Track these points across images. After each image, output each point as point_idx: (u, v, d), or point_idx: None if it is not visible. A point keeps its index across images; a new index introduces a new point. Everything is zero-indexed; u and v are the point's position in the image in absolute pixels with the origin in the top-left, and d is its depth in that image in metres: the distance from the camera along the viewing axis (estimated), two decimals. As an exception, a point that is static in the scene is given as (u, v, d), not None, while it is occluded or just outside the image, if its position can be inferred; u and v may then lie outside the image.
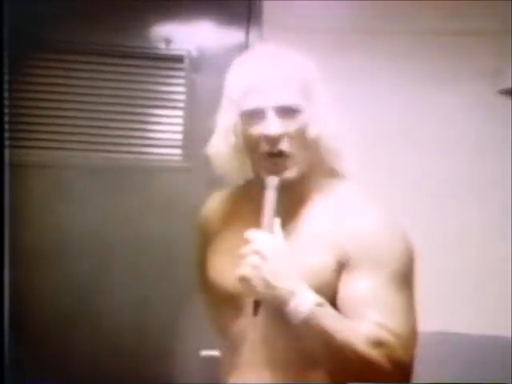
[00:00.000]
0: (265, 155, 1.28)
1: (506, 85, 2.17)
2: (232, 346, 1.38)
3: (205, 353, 2.11)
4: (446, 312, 2.14)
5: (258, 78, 1.27)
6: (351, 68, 2.20)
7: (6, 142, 2.10)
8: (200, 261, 1.48)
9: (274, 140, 1.25)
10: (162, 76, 2.30)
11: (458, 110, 2.23)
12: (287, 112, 1.26)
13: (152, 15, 2.27)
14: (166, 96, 2.31)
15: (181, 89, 2.30)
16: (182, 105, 2.30)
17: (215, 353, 1.83)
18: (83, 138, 2.28)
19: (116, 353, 2.29)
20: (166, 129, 2.33)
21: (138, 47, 2.26)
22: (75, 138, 2.28)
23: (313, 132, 1.29)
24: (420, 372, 2.01)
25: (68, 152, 2.28)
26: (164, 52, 2.28)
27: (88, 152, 2.29)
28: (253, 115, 1.27)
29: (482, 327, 2.18)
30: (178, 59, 2.28)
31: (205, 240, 1.49)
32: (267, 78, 1.27)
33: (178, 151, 2.31)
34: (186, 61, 2.27)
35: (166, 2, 2.25)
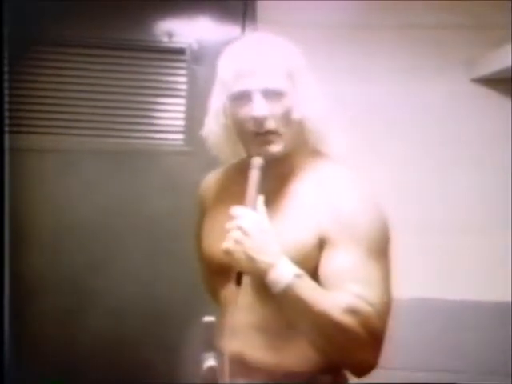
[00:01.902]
0: (252, 134, 1.31)
1: (478, 74, 2.25)
2: (223, 311, 1.42)
3: (206, 319, 2.22)
4: (424, 279, 2.26)
5: (246, 63, 1.29)
6: (340, 59, 2.29)
7: (14, 128, 2.15)
8: (197, 233, 1.52)
9: (260, 121, 1.28)
10: (165, 67, 2.39)
11: (436, 95, 2.30)
12: (273, 95, 1.28)
13: (156, 11, 2.33)
14: (168, 85, 2.40)
15: (182, 79, 2.38)
16: (183, 93, 2.38)
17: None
18: (92, 125, 2.37)
19: (125, 328, 2.37)
20: (169, 115, 2.42)
21: (143, 41, 2.35)
22: (85, 124, 2.37)
23: (297, 114, 1.31)
24: (400, 335, 2.18)
25: (79, 138, 2.37)
26: (167, 45, 2.36)
27: (97, 137, 2.38)
28: (241, 97, 1.30)
29: (457, 293, 2.29)
30: (180, 52, 2.36)
31: (201, 214, 1.54)
32: (255, 62, 1.29)
33: (180, 136, 2.39)
34: (188, 53, 2.35)
35: None
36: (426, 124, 2.33)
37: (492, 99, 2.30)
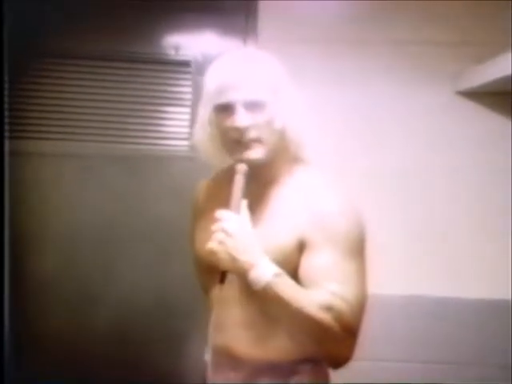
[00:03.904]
0: (235, 143, 1.36)
1: (464, 87, 2.31)
2: (213, 307, 1.50)
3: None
4: (414, 277, 2.36)
5: (229, 76, 1.33)
6: (334, 72, 2.36)
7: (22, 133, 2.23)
8: (190, 235, 1.58)
9: (241, 130, 1.33)
10: (172, 78, 2.48)
11: (424, 107, 2.37)
12: (255, 106, 1.33)
13: (163, 26, 2.42)
14: (174, 95, 2.49)
15: (188, 89, 2.47)
16: (188, 103, 2.46)
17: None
18: (102, 132, 2.47)
19: (129, 327, 2.44)
20: (175, 123, 2.50)
21: (151, 53, 2.44)
22: (95, 131, 2.47)
23: (278, 124, 1.36)
24: (391, 331, 2.29)
25: (94, 144, 2.47)
26: (173, 58, 2.45)
27: (107, 143, 2.47)
28: (224, 109, 1.34)
29: (446, 290, 2.37)
30: (186, 64, 2.45)
31: (193, 217, 1.60)
32: (238, 76, 1.33)
33: (185, 143, 2.47)
34: (193, 65, 2.43)
35: (176, 14, 2.40)
36: (414, 133, 2.41)
37: (476, 111, 2.37)
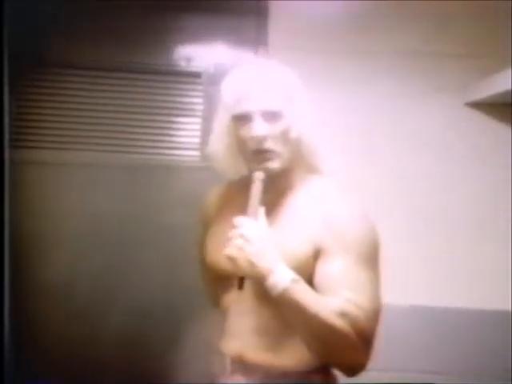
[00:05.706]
0: (252, 152, 1.37)
1: (471, 98, 2.33)
2: (223, 315, 1.49)
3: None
4: (417, 287, 2.37)
5: (246, 87, 1.36)
6: (341, 82, 2.39)
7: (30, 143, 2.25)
8: (200, 244, 1.58)
9: (259, 140, 1.35)
10: (184, 89, 2.51)
11: (432, 118, 2.39)
12: (272, 116, 1.35)
13: (175, 37, 2.45)
14: (186, 106, 2.52)
15: (199, 100, 2.50)
16: (199, 113, 2.50)
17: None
18: (111, 142, 2.51)
19: (135, 329, 2.44)
20: (186, 134, 2.53)
21: (163, 65, 2.47)
22: (107, 141, 2.51)
23: (294, 133, 1.38)
24: (393, 342, 2.26)
25: (102, 153, 2.50)
26: (185, 69, 2.48)
27: (117, 153, 2.51)
28: (242, 118, 1.37)
29: (449, 301, 2.37)
30: (197, 75, 2.48)
31: (204, 225, 1.60)
32: (254, 86, 1.35)
33: (196, 153, 2.51)
34: (204, 76, 2.47)
35: (187, 25, 2.43)
36: (421, 143, 2.42)
37: (484, 121, 2.39)
